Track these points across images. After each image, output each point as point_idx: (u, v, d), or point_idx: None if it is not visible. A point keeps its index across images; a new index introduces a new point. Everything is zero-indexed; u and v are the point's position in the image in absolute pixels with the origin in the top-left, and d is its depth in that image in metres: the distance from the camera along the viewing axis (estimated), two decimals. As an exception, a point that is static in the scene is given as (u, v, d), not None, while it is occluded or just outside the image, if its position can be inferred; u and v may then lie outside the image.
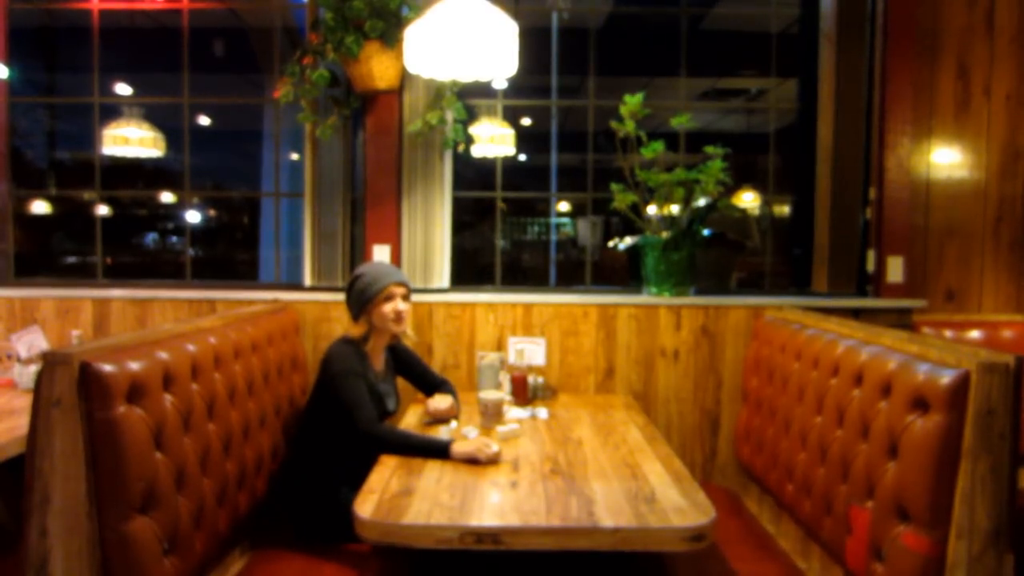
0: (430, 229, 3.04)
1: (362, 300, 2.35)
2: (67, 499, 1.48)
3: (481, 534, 1.55)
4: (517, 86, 3.44)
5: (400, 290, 2.39)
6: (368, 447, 2.11)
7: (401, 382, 2.64)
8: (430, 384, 2.61)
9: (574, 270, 8.98)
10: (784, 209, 4.41)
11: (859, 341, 1.96)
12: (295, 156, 4.38)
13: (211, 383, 1.96)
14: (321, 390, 2.31)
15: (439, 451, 2.02)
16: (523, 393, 2.68)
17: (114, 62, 3.78)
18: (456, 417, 2.46)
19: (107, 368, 1.52)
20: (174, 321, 2.96)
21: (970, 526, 1.45)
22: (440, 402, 2.45)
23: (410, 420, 2.46)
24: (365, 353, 2.37)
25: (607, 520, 1.58)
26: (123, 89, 4.95)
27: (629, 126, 2.96)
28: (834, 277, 3.20)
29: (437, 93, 2.96)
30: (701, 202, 2.98)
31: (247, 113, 7.87)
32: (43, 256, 8.09)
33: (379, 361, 2.46)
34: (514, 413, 2.51)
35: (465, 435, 2.24)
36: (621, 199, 3.01)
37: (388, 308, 2.35)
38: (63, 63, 4.66)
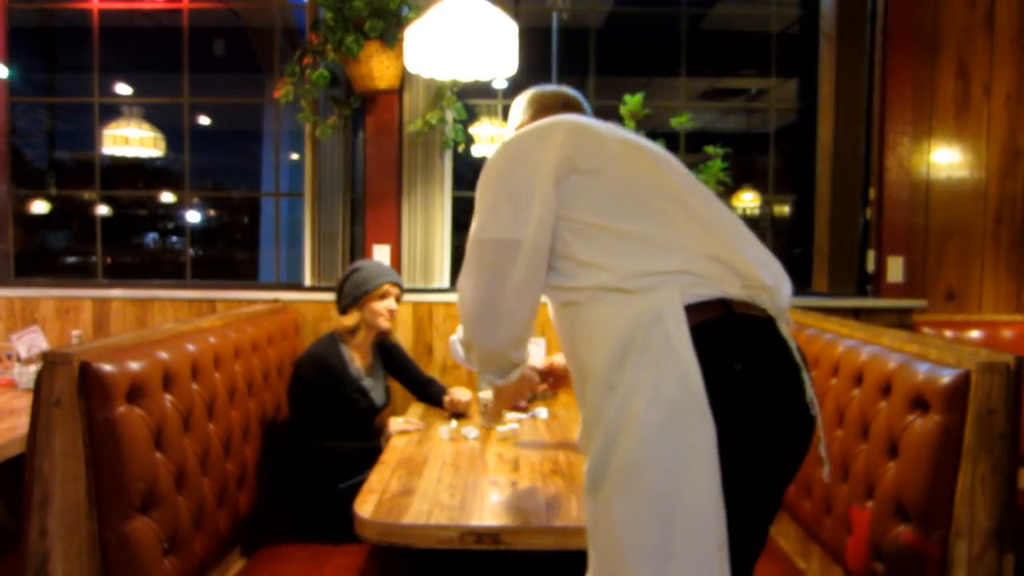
0: (430, 229, 3.04)
1: (357, 293, 2.38)
2: (67, 499, 1.48)
3: (481, 534, 1.55)
4: (517, 86, 3.43)
5: (395, 290, 2.46)
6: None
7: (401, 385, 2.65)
8: (418, 382, 2.66)
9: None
10: (784, 209, 4.40)
11: (859, 341, 1.96)
12: (295, 156, 4.38)
13: (211, 383, 1.96)
14: (302, 388, 2.34)
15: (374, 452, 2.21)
16: (523, 393, 2.68)
17: (114, 62, 3.78)
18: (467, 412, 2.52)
19: (107, 368, 1.52)
20: (174, 321, 2.96)
21: (970, 526, 1.45)
22: (460, 394, 2.53)
23: (411, 417, 2.46)
24: (346, 350, 2.40)
25: (607, 520, 1.58)
26: (123, 89, 4.94)
27: (629, 126, 2.96)
28: (834, 277, 3.20)
29: (437, 93, 2.96)
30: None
31: (247, 113, 7.86)
32: (43, 256, 8.08)
33: (365, 357, 2.48)
34: (514, 413, 2.51)
35: (465, 435, 2.24)
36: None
37: (382, 305, 2.41)
38: (63, 63, 4.65)
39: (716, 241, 1.30)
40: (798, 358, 1.29)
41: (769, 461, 1.27)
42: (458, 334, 1.65)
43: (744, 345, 1.25)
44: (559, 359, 2.20)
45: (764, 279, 1.30)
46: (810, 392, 1.28)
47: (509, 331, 1.35)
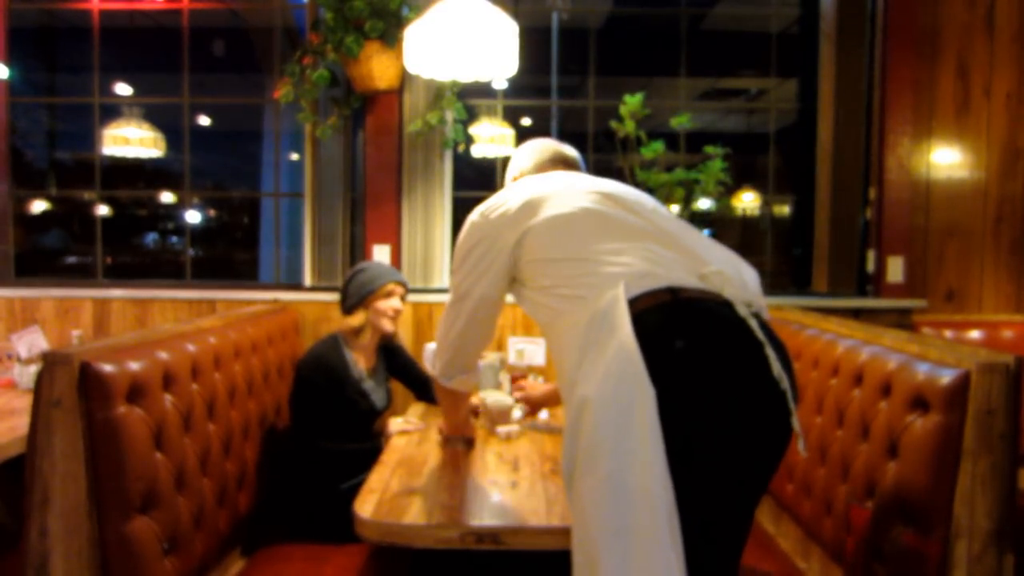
0: (430, 229, 3.04)
1: (363, 293, 2.38)
2: (67, 499, 1.48)
3: (481, 534, 1.55)
4: (517, 86, 3.43)
5: (400, 290, 2.46)
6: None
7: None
8: (418, 381, 2.66)
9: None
10: (784, 209, 4.41)
11: (859, 341, 1.96)
12: (295, 156, 4.38)
13: (211, 383, 1.96)
14: (302, 390, 2.33)
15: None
16: (523, 393, 2.68)
17: (114, 62, 3.77)
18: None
19: (107, 368, 1.52)
20: (174, 321, 2.96)
21: (970, 526, 1.45)
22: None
23: (411, 417, 2.46)
24: (348, 351, 2.40)
25: (607, 520, 1.58)
26: (123, 89, 4.94)
27: (629, 126, 2.96)
28: (834, 277, 3.20)
29: (437, 93, 2.96)
30: (701, 202, 2.98)
31: (247, 113, 7.85)
32: (43, 256, 8.08)
33: (369, 359, 2.48)
34: (514, 414, 2.51)
35: (465, 435, 2.24)
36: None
37: (386, 304, 2.41)
38: (63, 63, 4.65)
39: (667, 242, 1.45)
40: (760, 335, 1.32)
41: (729, 435, 1.29)
42: (433, 344, 1.93)
43: (687, 324, 1.31)
44: (534, 390, 2.44)
45: (721, 269, 1.40)
46: (777, 367, 1.30)
47: (461, 355, 1.74)
